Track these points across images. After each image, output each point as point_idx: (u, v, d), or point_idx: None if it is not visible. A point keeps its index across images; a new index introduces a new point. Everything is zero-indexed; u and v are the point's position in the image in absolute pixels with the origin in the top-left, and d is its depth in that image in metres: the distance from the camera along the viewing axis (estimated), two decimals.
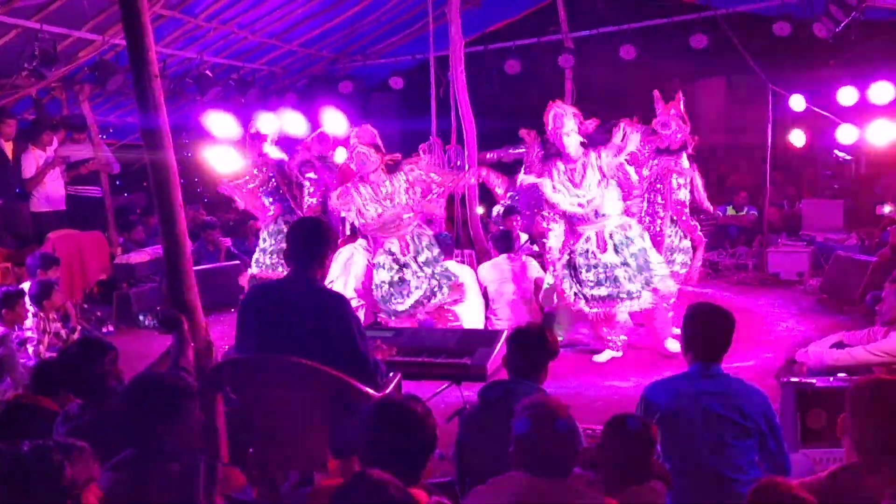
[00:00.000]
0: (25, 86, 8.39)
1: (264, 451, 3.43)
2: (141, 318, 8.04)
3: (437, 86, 8.43)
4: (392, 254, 6.37)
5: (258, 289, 4.03)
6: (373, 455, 2.50)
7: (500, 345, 4.29)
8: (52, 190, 8.50)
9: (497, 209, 8.99)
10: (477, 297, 6.76)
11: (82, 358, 3.49)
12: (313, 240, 3.64)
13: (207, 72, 9.88)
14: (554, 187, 6.20)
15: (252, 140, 7.34)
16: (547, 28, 11.14)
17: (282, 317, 3.49)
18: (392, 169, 6.37)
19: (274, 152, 7.36)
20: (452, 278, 6.41)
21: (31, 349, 5.87)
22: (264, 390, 3.39)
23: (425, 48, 9.42)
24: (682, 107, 7.01)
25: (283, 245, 3.94)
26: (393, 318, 6.30)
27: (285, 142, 7.64)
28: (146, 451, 2.66)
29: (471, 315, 6.57)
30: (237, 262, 9.02)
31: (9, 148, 8.31)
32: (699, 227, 7.25)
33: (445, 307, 6.40)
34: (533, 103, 12.07)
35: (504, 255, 7.11)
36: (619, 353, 6.50)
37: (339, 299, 3.65)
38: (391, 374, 3.82)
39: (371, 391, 3.39)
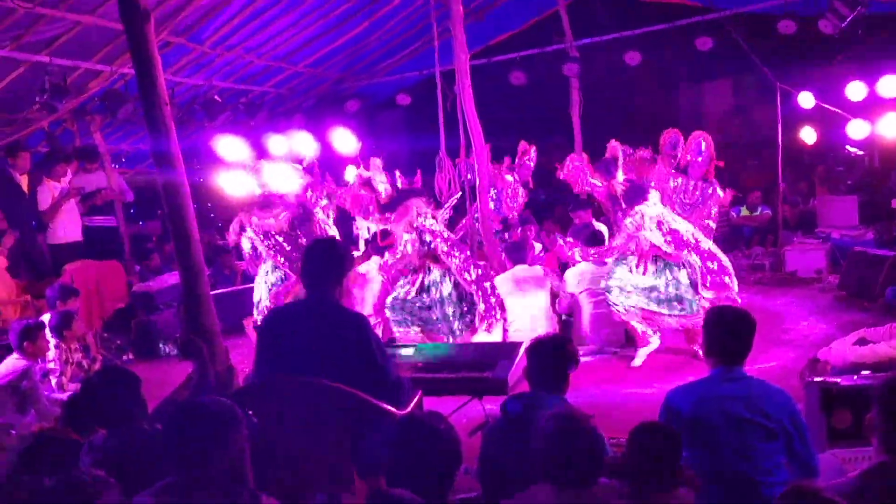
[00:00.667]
0: (37, 119, 8.49)
1: (289, 474, 3.43)
2: (161, 345, 8.07)
3: (443, 100, 8.45)
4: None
5: (278, 311, 4.06)
6: (398, 474, 2.50)
7: (519, 357, 4.29)
8: (68, 221, 8.57)
9: None
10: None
11: (105, 387, 3.51)
12: (331, 260, 3.65)
13: (216, 97, 9.96)
14: None
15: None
16: (551, 37, 11.17)
17: (302, 338, 3.49)
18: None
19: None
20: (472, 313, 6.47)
21: (54, 381, 5.91)
22: (287, 412, 3.39)
23: (430, 64, 9.45)
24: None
25: None
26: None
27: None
28: (190, 479, 2.65)
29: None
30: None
31: (24, 181, 8.39)
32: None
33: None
34: (539, 114, 12.18)
35: (519, 266, 7.10)
36: (656, 344, 6.58)
37: (359, 318, 3.66)
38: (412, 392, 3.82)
39: (393, 409, 3.39)
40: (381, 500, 2.24)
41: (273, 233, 6.88)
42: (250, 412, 3.45)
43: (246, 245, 7.16)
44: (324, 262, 3.63)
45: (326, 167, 7.80)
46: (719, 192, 6.72)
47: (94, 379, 3.90)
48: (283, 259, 6.86)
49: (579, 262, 6.95)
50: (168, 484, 2.65)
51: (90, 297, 7.91)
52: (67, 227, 8.58)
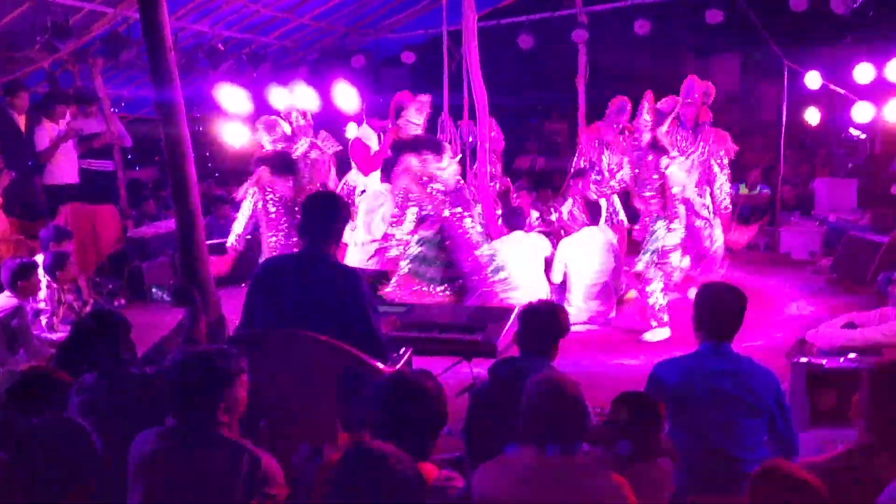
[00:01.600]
0: (38, 59, 8.38)
1: (275, 425, 3.46)
2: (154, 290, 8.08)
3: (449, 60, 8.36)
4: None
5: (271, 263, 4.06)
6: (384, 429, 2.52)
7: (510, 321, 4.31)
8: (65, 163, 8.50)
9: None
10: None
11: (95, 330, 3.53)
12: (328, 214, 3.65)
13: (219, 45, 9.85)
14: None
15: None
16: (560, 2, 11.03)
17: (295, 291, 3.50)
18: None
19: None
20: None
21: (44, 321, 5.93)
22: (276, 364, 3.41)
23: (437, 22, 9.34)
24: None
25: None
26: None
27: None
28: (191, 425, 2.67)
29: None
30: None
31: (22, 121, 8.31)
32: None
33: None
34: (546, 78, 12.10)
35: (516, 232, 7.10)
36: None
37: (353, 274, 3.66)
38: (402, 350, 3.85)
39: (381, 366, 3.41)
40: (362, 451, 2.26)
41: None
42: None
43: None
44: (321, 216, 3.63)
45: (328, 122, 7.78)
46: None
47: (84, 321, 3.91)
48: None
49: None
50: (170, 429, 2.67)
51: (84, 240, 7.89)
52: (64, 169, 8.52)
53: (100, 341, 3.45)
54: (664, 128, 6.73)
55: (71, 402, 3.26)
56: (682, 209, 6.69)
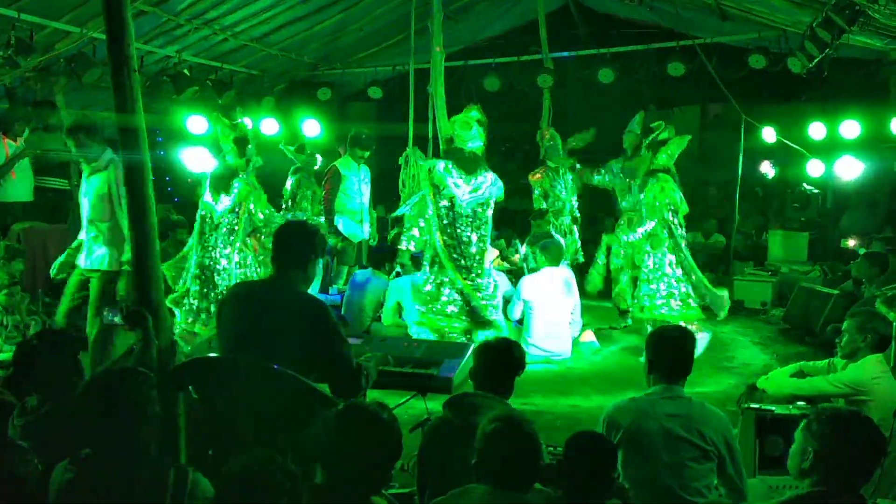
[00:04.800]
0: None
1: (224, 454, 3.39)
2: (106, 313, 7.91)
3: (415, 97, 8.43)
4: None
5: (238, 289, 4.02)
6: (336, 461, 2.48)
7: (466, 357, 4.30)
8: (21, 181, 8.35)
9: None
10: None
11: (43, 350, 3.44)
12: (297, 243, 3.62)
13: (185, 71, 9.80)
14: None
15: None
16: (527, 47, 11.22)
17: (259, 318, 3.45)
18: None
19: None
20: None
21: None
22: (227, 392, 3.35)
23: (405, 60, 9.44)
24: None
25: None
26: None
27: None
28: (106, 451, 2.60)
29: None
30: None
31: None
32: None
33: None
34: (509, 120, 12.23)
35: None
36: None
37: (319, 305, 3.61)
38: None
39: (335, 398, 3.37)
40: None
41: None
42: (190, 388, 3.43)
43: None
44: (291, 244, 3.60)
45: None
46: None
47: (31, 341, 3.82)
48: None
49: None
50: (86, 455, 2.60)
51: (36, 258, 7.73)
52: (19, 187, 8.36)
53: (45, 361, 3.37)
54: None
55: (12, 424, 3.16)
56: None
